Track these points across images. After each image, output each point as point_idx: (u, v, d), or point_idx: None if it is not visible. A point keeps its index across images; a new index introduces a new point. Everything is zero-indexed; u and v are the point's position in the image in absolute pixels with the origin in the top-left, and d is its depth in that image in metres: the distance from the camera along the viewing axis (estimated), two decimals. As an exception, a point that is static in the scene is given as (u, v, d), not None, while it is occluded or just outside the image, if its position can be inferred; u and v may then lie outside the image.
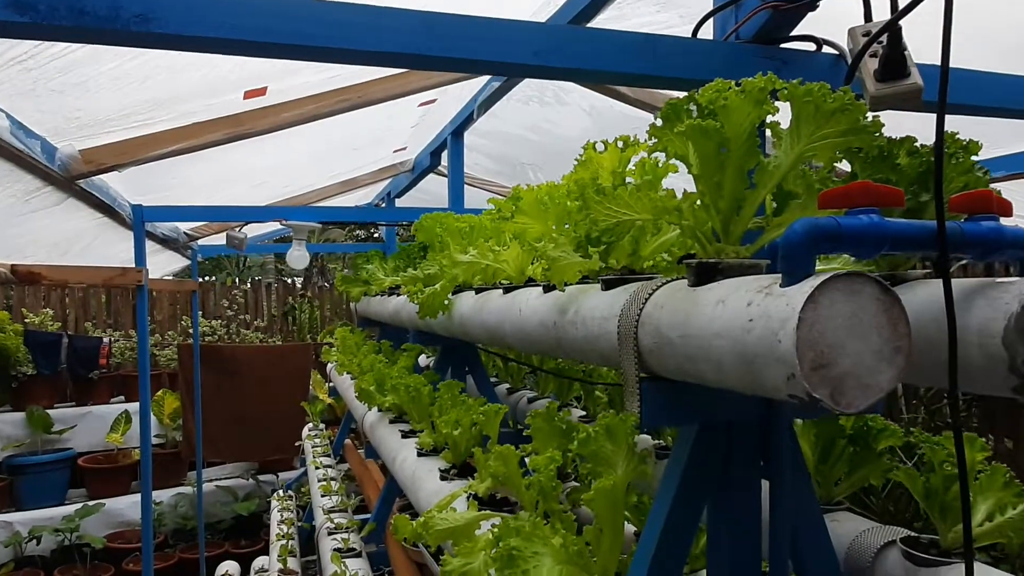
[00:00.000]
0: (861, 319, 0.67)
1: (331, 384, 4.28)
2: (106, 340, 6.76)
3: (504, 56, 1.14)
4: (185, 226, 4.23)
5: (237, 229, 3.37)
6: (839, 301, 0.66)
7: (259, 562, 4.52)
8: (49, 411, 6.28)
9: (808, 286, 0.66)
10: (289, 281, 9.02)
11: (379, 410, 2.43)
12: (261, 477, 6.75)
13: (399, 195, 4.72)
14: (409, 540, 1.29)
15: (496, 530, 0.95)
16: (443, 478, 1.56)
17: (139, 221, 2.85)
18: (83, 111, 2.09)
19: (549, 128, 3.25)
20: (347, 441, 4.40)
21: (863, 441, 1.20)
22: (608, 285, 1.07)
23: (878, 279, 0.67)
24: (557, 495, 0.87)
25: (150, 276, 3.22)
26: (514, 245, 1.50)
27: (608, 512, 0.81)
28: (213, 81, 2.17)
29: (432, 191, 4.84)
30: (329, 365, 4.45)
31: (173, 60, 1.94)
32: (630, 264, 1.07)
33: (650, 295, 0.92)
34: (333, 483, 3.08)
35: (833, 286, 0.66)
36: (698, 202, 0.87)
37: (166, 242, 3.97)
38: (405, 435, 2.03)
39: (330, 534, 2.41)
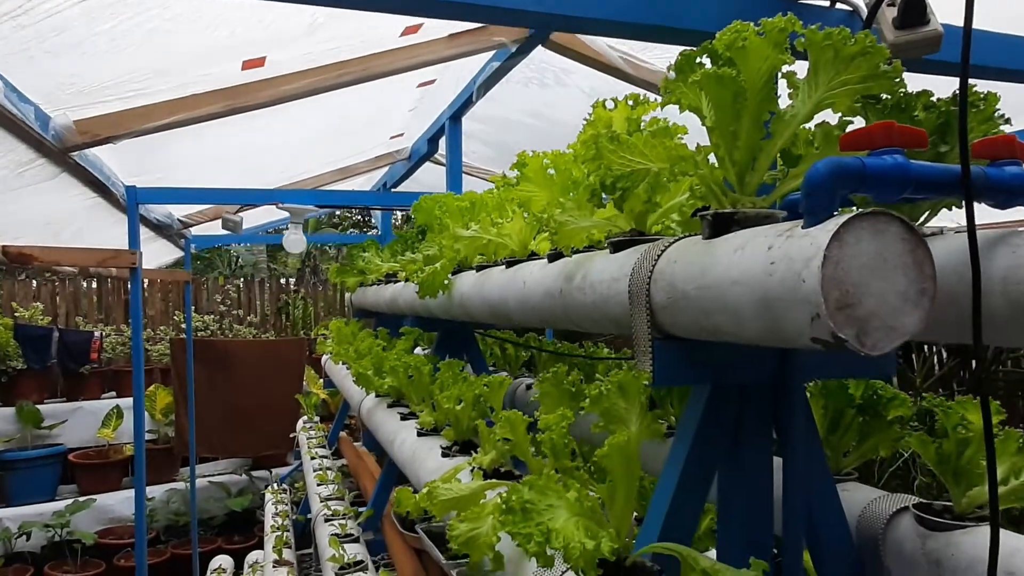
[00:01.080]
0: (886, 259, 0.65)
1: (325, 377, 4.25)
2: (97, 334, 6.70)
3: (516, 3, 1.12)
4: (179, 212, 4.18)
5: (233, 212, 3.33)
6: (864, 239, 0.64)
7: (253, 556, 4.48)
8: (39, 406, 6.21)
9: (833, 224, 0.64)
10: (283, 281, 8.97)
11: (376, 395, 2.41)
12: (254, 473, 6.70)
13: (395, 184, 4.68)
14: (412, 513, 1.27)
15: (506, 494, 0.93)
16: (445, 455, 1.54)
17: (132, 202, 2.80)
18: (78, 78, 2.05)
19: (548, 112, 3.22)
20: (342, 434, 4.37)
21: (873, 410, 1.19)
22: (617, 247, 1.05)
23: (903, 219, 0.66)
24: (569, 452, 0.85)
25: (143, 267, 3.19)
26: (517, 217, 1.49)
27: (622, 468, 0.79)
28: (211, 48, 2.12)
29: (428, 182, 4.82)
30: (324, 357, 4.41)
31: (172, 24, 1.90)
32: (640, 224, 1.05)
33: (663, 251, 0.90)
34: (329, 472, 3.05)
35: (858, 224, 0.64)
36: (713, 154, 0.85)
37: (160, 228, 3.91)
38: (404, 417, 2.00)
39: (327, 521, 2.38)
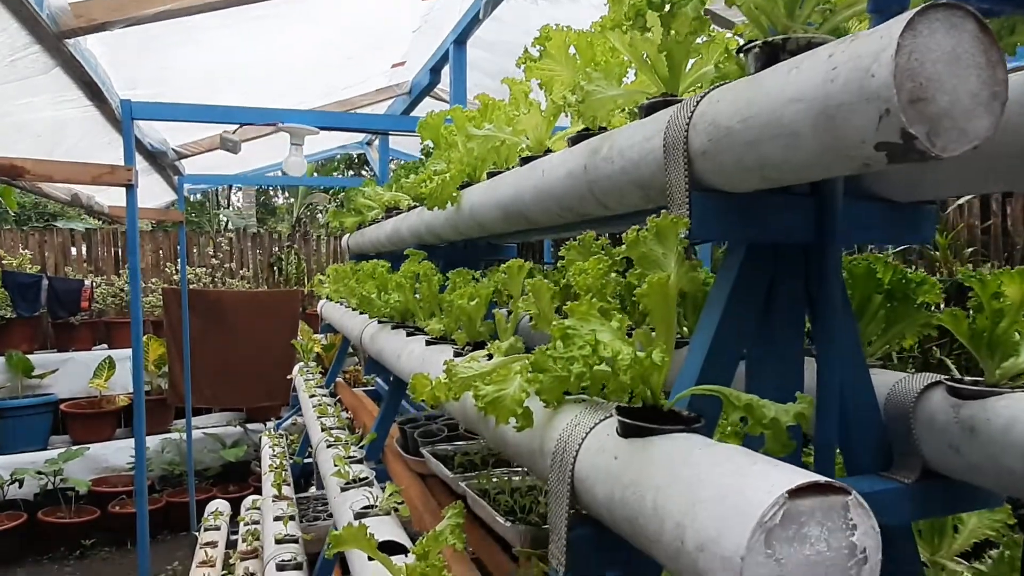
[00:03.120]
0: (959, 55, 0.61)
1: (323, 322, 4.21)
2: (87, 282, 6.61)
3: None
4: (175, 141, 4.07)
5: (232, 132, 3.24)
6: (939, 32, 0.60)
7: (249, 500, 4.48)
8: (29, 356, 6.15)
9: (907, 14, 0.60)
10: (275, 235, 8.86)
11: (379, 322, 2.37)
12: (249, 426, 6.69)
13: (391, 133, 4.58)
14: (428, 400, 1.24)
15: (536, 353, 0.90)
16: (457, 355, 1.50)
17: (127, 117, 2.71)
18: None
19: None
20: (339, 380, 4.35)
21: (901, 294, 1.16)
22: (649, 110, 1.01)
23: (978, 15, 0.62)
24: (607, 293, 0.81)
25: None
26: (534, 110, 1.44)
27: (662, 309, 0.76)
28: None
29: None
30: (320, 303, 4.37)
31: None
32: (672, 88, 1.01)
33: (704, 95, 0.86)
34: (329, 408, 3.03)
35: (933, 15, 0.60)
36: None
37: (154, 157, 3.80)
38: (411, 334, 1.97)
39: (329, 446, 2.37)
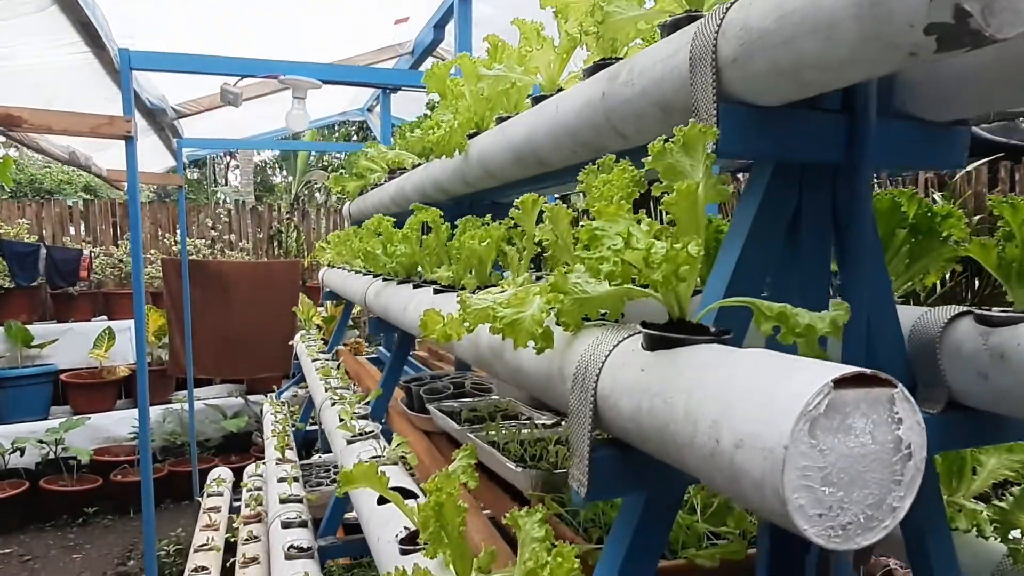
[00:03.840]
0: (1019, -72, 0.58)
1: (324, 288, 4.17)
2: (86, 252, 6.56)
3: None
4: (174, 100, 4.01)
5: (232, 85, 3.18)
6: (998, -99, 0.57)
7: (252, 467, 4.49)
8: (28, 327, 6.12)
9: None
10: (275, 210, 8.80)
11: (384, 279, 2.34)
12: (250, 397, 6.70)
13: (395, 89, 4.51)
14: (439, 338, 1.21)
15: (553, 277, 0.87)
16: (467, 300, 1.47)
17: (126, 66, 2.65)
18: None
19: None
20: (340, 347, 4.33)
21: (926, 228, 1.14)
22: (672, 28, 0.97)
23: None
24: (632, 200, 0.78)
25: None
26: (547, 46, 1.39)
27: (691, 218, 0.73)
28: None
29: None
30: (321, 272, 4.33)
31: None
32: (697, 4, 0.97)
33: (734, 2, 0.82)
34: (333, 370, 3.02)
35: None
36: None
37: (153, 116, 3.73)
38: (418, 286, 1.94)
39: (334, 404, 2.35)
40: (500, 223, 1.54)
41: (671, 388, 0.67)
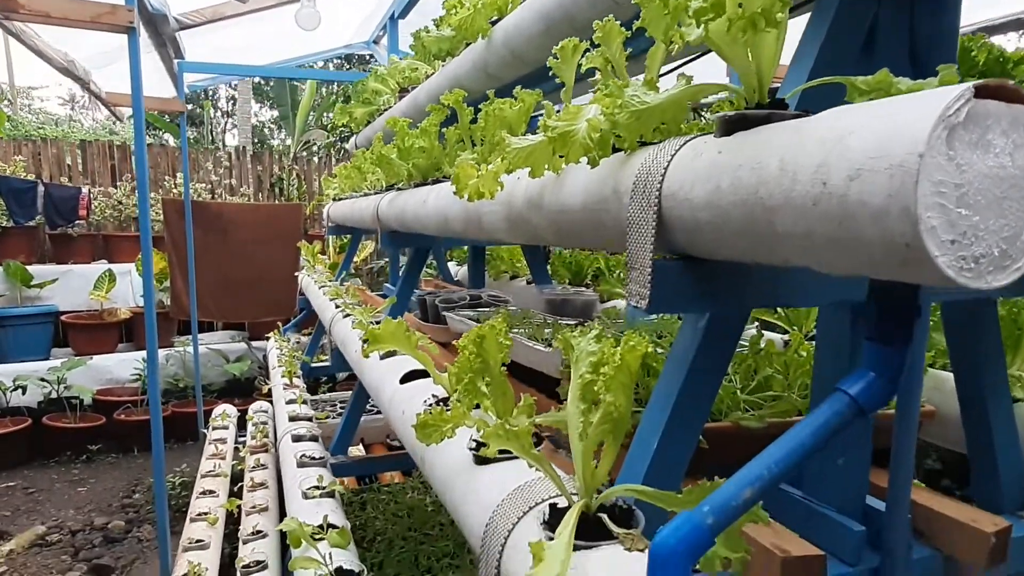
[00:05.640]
0: None
1: (329, 224, 4.09)
2: (85, 190, 6.45)
3: None
4: (176, 9, 3.86)
5: None
6: None
7: (256, 405, 4.46)
8: (28, 268, 6.04)
9: None
10: (276, 155, 8.66)
11: (398, 189, 2.27)
12: (253, 343, 6.66)
13: (403, 15, 4.36)
14: (471, 194, 1.15)
15: (608, 88, 0.80)
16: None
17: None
18: None
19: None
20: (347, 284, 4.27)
21: (999, 73, 1.06)
22: None
23: None
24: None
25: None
26: None
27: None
28: None
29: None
30: (327, 208, 4.25)
31: None
32: None
33: None
34: (343, 293, 2.96)
35: None
36: None
37: (154, 23, 3.57)
38: (437, 182, 1.87)
39: (346, 316, 2.29)
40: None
41: (760, 154, 0.61)
